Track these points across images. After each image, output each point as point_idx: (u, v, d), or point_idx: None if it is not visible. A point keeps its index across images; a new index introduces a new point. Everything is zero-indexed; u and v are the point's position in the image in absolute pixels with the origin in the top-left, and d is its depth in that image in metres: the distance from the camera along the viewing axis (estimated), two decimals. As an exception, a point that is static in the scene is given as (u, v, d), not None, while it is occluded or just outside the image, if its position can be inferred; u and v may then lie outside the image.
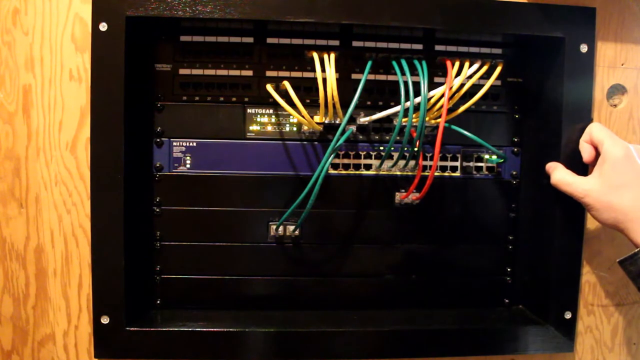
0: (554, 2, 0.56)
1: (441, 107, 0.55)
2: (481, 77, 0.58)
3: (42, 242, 0.57)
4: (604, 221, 0.52)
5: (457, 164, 0.63)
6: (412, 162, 0.61)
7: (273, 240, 0.61)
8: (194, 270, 0.61)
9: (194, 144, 0.60)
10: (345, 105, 0.55)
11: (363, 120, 0.60)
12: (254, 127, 0.60)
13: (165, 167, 0.60)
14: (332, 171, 0.61)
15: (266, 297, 0.62)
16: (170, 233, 0.60)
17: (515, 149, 0.64)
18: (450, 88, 0.55)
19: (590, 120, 0.57)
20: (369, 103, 0.61)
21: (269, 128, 0.60)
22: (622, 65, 0.60)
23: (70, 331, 0.58)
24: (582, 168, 0.56)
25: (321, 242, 0.62)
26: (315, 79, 0.55)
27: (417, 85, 0.54)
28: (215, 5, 0.52)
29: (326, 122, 0.59)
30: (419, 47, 0.60)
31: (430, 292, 0.64)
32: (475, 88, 0.57)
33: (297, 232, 0.61)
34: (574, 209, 0.57)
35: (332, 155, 0.55)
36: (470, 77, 0.58)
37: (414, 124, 0.55)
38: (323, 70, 0.55)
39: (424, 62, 0.56)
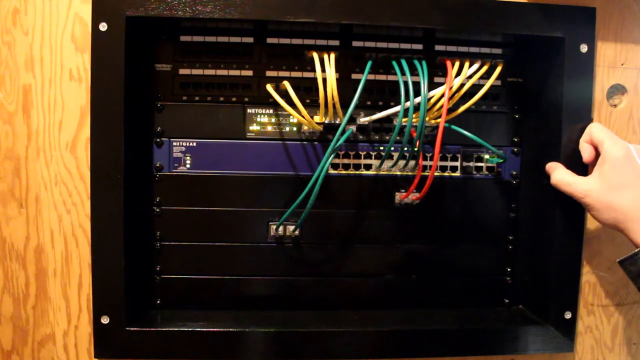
0: (554, 2, 0.56)
1: (441, 107, 0.55)
2: (481, 77, 0.58)
3: (42, 242, 0.57)
4: (604, 221, 0.52)
5: (457, 164, 0.63)
6: (412, 162, 0.61)
7: (273, 240, 0.61)
8: (194, 270, 0.61)
9: (194, 144, 0.60)
10: (345, 105, 0.55)
11: (363, 120, 0.60)
12: (254, 127, 0.60)
13: (165, 167, 0.60)
14: (332, 171, 0.61)
15: (266, 297, 0.62)
16: (170, 233, 0.60)
17: (515, 149, 0.64)
18: (450, 88, 0.55)
19: (590, 120, 0.57)
20: (369, 103, 0.61)
21: (269, 128, 0.60)
22: (622, 65, 0.60)
23: (70, 331, 0.58)
24: (582, 168, 0.56)
25: (321, 242, 0.62)
26: (315, 79, 0.55)
27: (417, 85, 0.54)
28: (215, 5, 0.52)
29: (326, 122, 0.59)
30: (419, 47, 0.60)
31: (430, 292, 0.64)
32: (475, 88, 0.57)
33: (297, 232, 0.61)
34: (574, 209, 0.57)
35: (332, 155, 0.55)
36: (470, 77, 0.58)
37: (414, 124, 0.55)
38: (323, 70, 0.55)
39: (424, 62, 0.56)
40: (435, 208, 0.63)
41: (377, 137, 0.62)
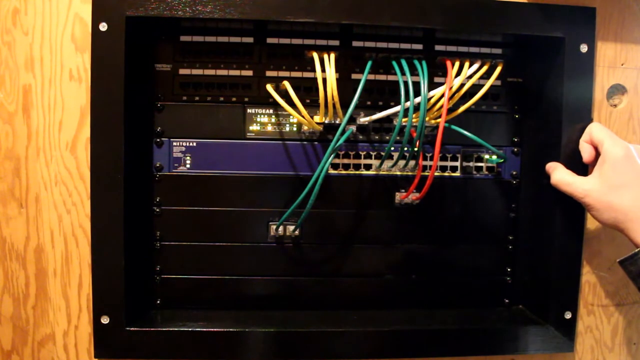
0: (554, 2, 0.56)
1: (441, 107, 0.55)
2: (481, 77, 0.58)
3: (42, 242, 0.57)
4: (604, 221, 0.52)
5: (457, 164, 0.63)
6: (412, 162, 0.61)
7: (273, 240, 0.61)
8: (194, 270, 0.61)
9: (194, 144, 0.60)
10: (345, 105, 0.55)
11: (363, 120, 0.60)
12: (254, 127, 0.60)
13: (165, 167, 0.60)
14: (332, 171, 0.61)
15: (266, 297, 0.62)
16: (170, 233, 0.60)
17: (515, 149, 0.64)
18: (450, 88, 0.55)
19: (590, 120, 0.57)
20: (369, 103, 0.61)
21: (269, 128, 0.60)
22: (622, 65, 0.60)
23: (70, 331, 0.58)
24: (582, 168, 0.56)
25: (321, 242, 0.62)
26: (315, 79, 0.55)
27: (417, 85, 0.54)
28: (215, 5, 0.52)
29: (326, 122, 0.59)
30: (419, 47, 0.60)
31: (430, 292, 0.64)
32: (475, 88, 0.57)
33: (297, 232, 0.61)
34: (574, 209, 0.57)
35: (332, 155, 0.55)
36: (470, 77, 0.58)
37: (414, 124, 0.55)
38: (323, 70, 0.55)
39: (424, 62, 0.56)
40: (435, 208, 0.63)
41: (377, 137, 0.62)
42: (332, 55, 0.56)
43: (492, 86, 0.58)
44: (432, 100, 0.56)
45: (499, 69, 0.59)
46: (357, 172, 0.62)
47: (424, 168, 0.60)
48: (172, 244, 0.60)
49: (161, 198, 0.60)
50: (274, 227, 0.60)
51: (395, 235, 0.62)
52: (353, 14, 0.53)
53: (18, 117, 0.55)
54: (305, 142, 0.61)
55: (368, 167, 0.62)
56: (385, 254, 0.63)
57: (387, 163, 0.61)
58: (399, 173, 0.62)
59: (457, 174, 0.63)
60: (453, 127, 0.58)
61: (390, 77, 0.61)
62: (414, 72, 0.55)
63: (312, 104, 0.59)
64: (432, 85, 0.57)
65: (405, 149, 0.57)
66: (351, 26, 0.56)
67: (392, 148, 0.57)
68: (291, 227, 0.60)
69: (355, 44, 0.60)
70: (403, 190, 0.61)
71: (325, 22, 0.54)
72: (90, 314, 0.56)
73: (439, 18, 0.54)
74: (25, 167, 0.56)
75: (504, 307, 0.65)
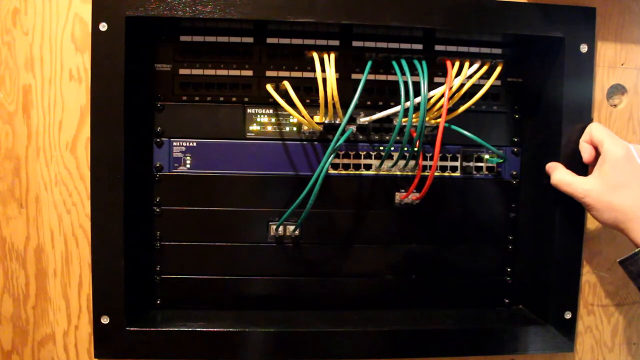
0: (554, 2, 0.56)
1: (441, 107, 0.55)
2: (481, 77, 0.58)
3: (42, 242, 0.57)
4: (604, 221, 0.52)
5: (457, 164, 0.63)
6: (412, 162, 0.61)
7: (273, 240, 0.61)
8: (194, 270, 0.61)
9: (194, 144, 0.60)
10: (345, 105, 0.55)
11: (363, 120, 0.60)
12: (254, 127, 0.60)
13: (165, 167, 0.60)
14: (332, 171, 0.61)
15: (266, 297, 0.62)
16: (170, 233, 0.60)
17: (515, 149, 0.64)
18: (450, 88, 0.55)
19: (590, 120, 0.57)
20: (369, 103, 0.61)
21: (269, 128, 0.60)
22: (622, 65, 0.60)
23: (70, 331, 0.58)
24: (582, 168, 0.56)
25: (321, 242, 0.62)
26: (315, 79, 0.55)
27: (417, 85, 0.54)
28: (215, 5, 0.52)
29: (326, 122, 0.59)
30: (419, 47, 0.60)
31: (430, 292, 0.64)
32: (475, 88, 0.57)
33: (297, 232, 0.61)
34: (574, 209, 0.57)
35: (332, 155, 0.55)
36: (470, 77, 0.58)
37: (414, 124, 0.55)
38: (323, 70, 0.55)
39: (424, 62, 0.56)
40: (435, 208, 0.63)
41: (377, 137, 0.62)
42: (332, 55, 0.56)
43: (492, 86, 0.58)
44: (432, 100, 0.56)
45: (499, 69, 0.59)
46: (357, 172, 0.61)
47: (424, 168, 0.60)
48: (172, 244, 0.60)
49: (161, 198, 0.60)
50: (274, 227, 0.60)
51: (395, 235, 0.62)
52: (353, 14, 0.53)
53: (18, 117, 0.55)
54: (305, 142, 0.61)
55: (368, 167, 0.62)
56: (385, 254, 0.63)
57: (387, 163, 0.61)
58: (399, 173, 0.62)
59: (457, 174, 0.63)
60: (453, 127, 0.58)
61: (390, 77, 0.61)
62: (414, 72, 0.55)
63: (312, 104, 0.59)
64: (432, 85, 0.57)
65: (405, 149, 0.57)
66: (351, 26, 0.56)
67: (392, 148, 0.57)
68: (291, 227, 0.60)
69: (355, 44, 0.60)
70: (403, 190, 0.61)
71: (325, 22, 0.54)
72: (90, 314, 0.56)
73: (439, 18, 0.54)
74: (25, 167, 0.56)
75: (504, 307, 0.65)
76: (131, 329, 0.55)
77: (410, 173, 0.62)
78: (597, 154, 0.54)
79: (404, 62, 0.56)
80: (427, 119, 0.57)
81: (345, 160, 0.61)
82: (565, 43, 0.56)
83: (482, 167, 0.63)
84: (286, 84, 0.56)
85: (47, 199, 0.56)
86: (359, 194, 0.62)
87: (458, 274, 0.64)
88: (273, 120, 0.60)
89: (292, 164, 0.60)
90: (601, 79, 0.60)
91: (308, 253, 0.62)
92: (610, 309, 0.63)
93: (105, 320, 0.54)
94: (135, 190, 0.56)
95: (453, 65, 0.57)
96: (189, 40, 0.58)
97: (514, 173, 0.64)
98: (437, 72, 0.61)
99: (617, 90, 0.61)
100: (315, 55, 0.55)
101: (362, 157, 0.61)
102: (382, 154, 0.61)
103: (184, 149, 0.59)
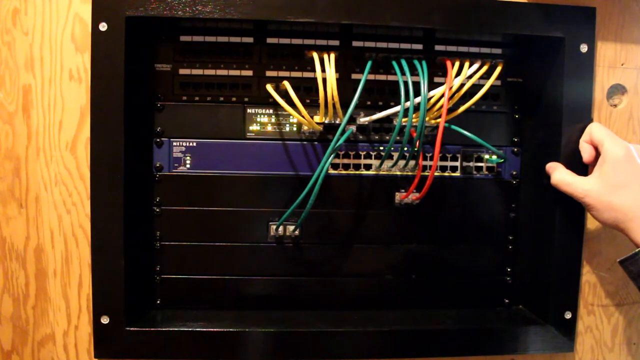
0: (554, 2, 0.56)
1: (441, 107, 0.55)
2: (481, 77, 0.58)
3: (42, 242, 0.57)
4: (604, 221, 0.52)
5: (457, 164, 0.63)
6: (412, 162, 0.61)
7: (273, 240, 0.61)
8: (194, 270, 0.61)
9: (194, 144, 0.60)
10: (345, 105, 0.55)
11: (363, 120, 0.60)
12: (254, 127, 0.60)
13: (165, 167, 0.60)
14: (332, 171, 0.61)
15: (266, 297, 0.62)
16: (170, 233, 0.60)
17: (515, 149, 0.64)
18: (450, 88, 0.55)
19: (590, 120, 0.57)
20: (369, 103, 0.61)
21: (269, 128, 0.60)
22: (622, 65, 0.60)
23: (70, 331, 0.58)
24: (582, 168, 0.56)
25: (321, 242, 0.62)
26: (315, 79, 0.55)
27: (417, 85, 0.54)
28: (215, 5, 0.52)
29: (326, 122, 0.59)
30: (419, 47, 0.60)
31: (430, 292, 0.64)
32: (475, 88, 0.57)
33: (297, 232, 0.61)
34: (574, 209, 0.57)
35: (332, 155, 0.55)
36: (470, 77, 0.58)
37: (414, 124, 0.55)
38: (323, 70, 0.55)
39: (424, 62, 0.56)
40: (435, 208, 0.63)
41: (377, 137, 0.62)
42: (332, 55, 0.56)
43: (492, 86, 0.58)
44: (432, 100, 0.56)
45: (499, 69, 0.59)
46: (357, 172, 0.61)
47: (424, 168, 0.60)
48: (172, 244, 0.60)
49: (161, 198, 0.60)
50: (274, 227, 0.60)
51: (395, 235, 0.62)
52: (353, 14, 0.53)
53: (18, 117, 0.55)
54: (305, 142, 0.61)
55: (368, 167, 0.62)
56: (385, 254, 0.63)
57: (387, 163, 0.61)
58: (399, 173, 0.62)
59: (457, 174, 0.63)
60: (453, 127, 0.58)
61: (390, 77, 0.61)
62: (414, 72, 0.55)
63: (312, 104, 0.59)
64: (432, 85, 0.57)
65: (405, 149, 0.57)
66: (351, 26, 0.56)
67: (392, 148, 0.57)
68: (291, 227, 0.60)
69: (355, 44, 0.60)
70: (403, 190, 0.61)
71: (325, 22, 0.54)
72: (90, 314, 0.56)
73: (439, 18, 0.54)
74: (25, 167, 0.56)
75: (504, 307, 0.65)
76: (131, 329, 0.55)
77: (410, 173, 0.62)
78: (597, 154, 0.54)
79: (404, 62, 0.56)
80: (427, 119, 0.57)
81: (345, 160, 0.61)
82: (565, 43, 0.56)
83: (482, 167, 0.63)
84: (286, 84, 0.56)
85: (47, 199, 0.56)
86: (359, 194, 0.62)
87: (458, 274, 0.64)
88: (273, 120, 0.60)
89: (292, 164, 0.60)
90: (601, 79, 0.60)
91: (308, 253, 0.62)
92: (610, 309, 0.63)
93: (105, 320, 0.54)
94: (135, 190, 0.56)
95: (453, 65, 0.57)
96: (189, 40, 0.58)
97: (514, 173, 0.64)
98: (437, 72, 0.61)
99: (617, 90, 0.61)
100: (315, 55, 0.55)
101: (362, 157, 0.61)
102: (382, 154, 0.61)
103: (184, 149, 0.59)
